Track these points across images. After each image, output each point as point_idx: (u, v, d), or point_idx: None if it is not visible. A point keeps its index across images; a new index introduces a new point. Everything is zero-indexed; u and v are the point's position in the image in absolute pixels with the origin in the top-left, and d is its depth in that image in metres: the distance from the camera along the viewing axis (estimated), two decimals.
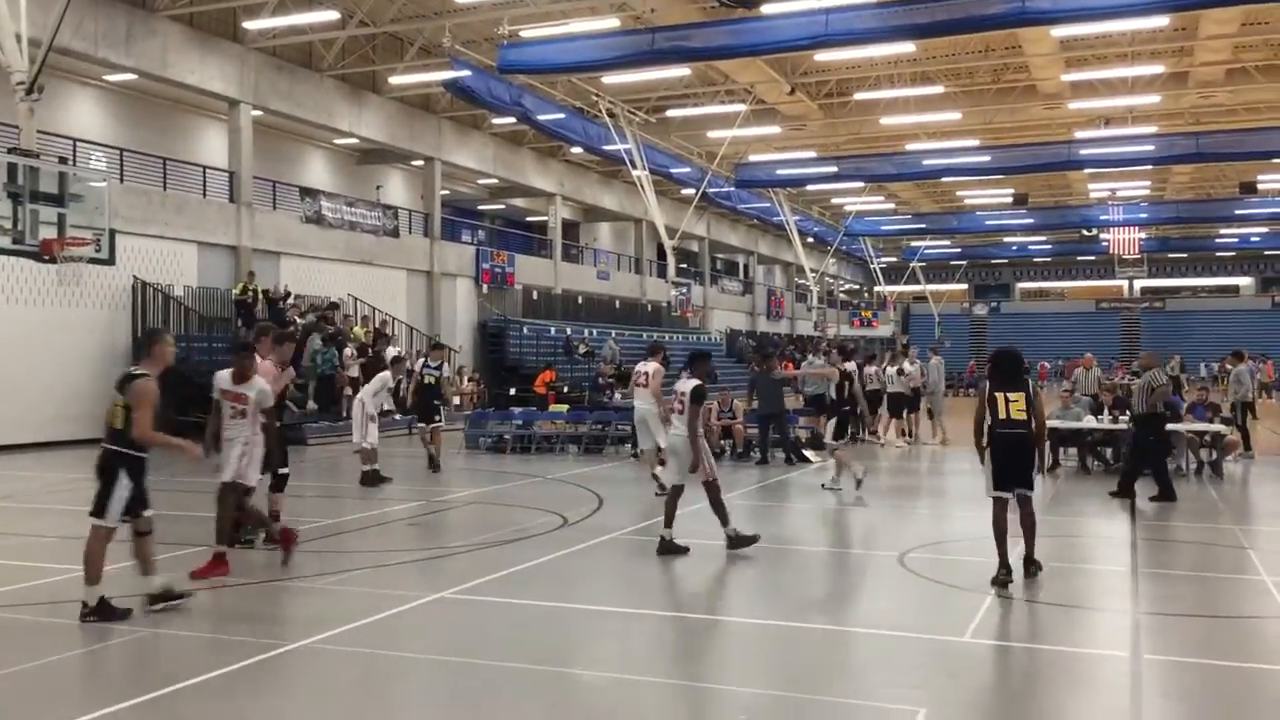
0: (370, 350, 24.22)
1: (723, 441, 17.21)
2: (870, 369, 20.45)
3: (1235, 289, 71.37)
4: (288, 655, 6.25)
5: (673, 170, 37.95)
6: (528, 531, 10.42)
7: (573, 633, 6.92)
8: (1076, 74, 29.10)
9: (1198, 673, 6.19)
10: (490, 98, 26.58)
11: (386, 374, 14.97)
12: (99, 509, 6.85)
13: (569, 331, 34.71)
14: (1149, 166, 39.53)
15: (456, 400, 26.60)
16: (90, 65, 22.35)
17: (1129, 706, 5.59)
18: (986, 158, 36.08)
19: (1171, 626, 7.22)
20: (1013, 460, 8.16)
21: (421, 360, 16.86)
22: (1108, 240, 53.45)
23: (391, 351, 22.54)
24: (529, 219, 44.11)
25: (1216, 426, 15.89)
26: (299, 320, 23.47)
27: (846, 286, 74.78)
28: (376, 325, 27.01)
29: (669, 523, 9.27)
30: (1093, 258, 66.07)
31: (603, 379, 22.51)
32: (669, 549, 9.13)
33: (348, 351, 23.11)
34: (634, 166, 33.02)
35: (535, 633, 6.80)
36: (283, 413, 9.87)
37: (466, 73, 25.24)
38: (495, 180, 36.89)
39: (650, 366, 13.05)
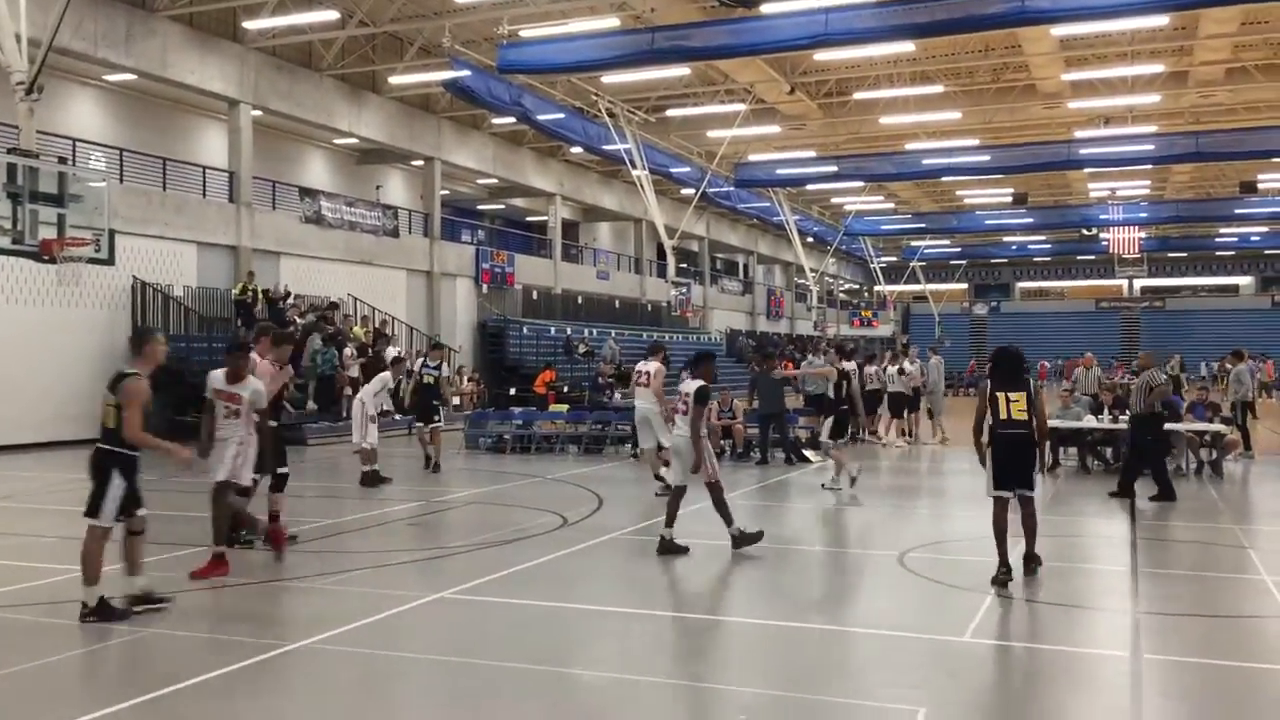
0: (370, 350, 24.22)
1: (722, 441, 17.21)
2: (870, 369, 20.46)
3: (1235, 288, 71.40)
4: (288, 655, 6.24)
5: (672, 170, 37.95)
6: (528, 531, 10.42)
7: (573, 633, 6.92)
8: (1076, 73, 29.10)
9: (1198, 673, 6.18)
10: (490, 98, 26.58)
11: (387, 374, 14.97)
12: (93, 509, 6.84)
13: (569, 331, 34.71)
14: (1149, 166, 39.54)
15: (456, 400, 26.60)
16: (90, 65, 22.34)
17: (1129, 706, 5.59)
18: (986, 157, 36.10)
19: (1171, 626, 7.22)
20: (1013, 460, 8.16)
21: (421, 360, 16.86)
22: (1107, 240, 53.46)
23: (392, 352, 22.55)
24: (529, 219, 44.11)
25: (1216, 426, 15.88)
26: (299, 320, 23.47)
27: (846, 286, 74.77)
28: (376, 325, 27.01)
29: (670, 522, 9.27)
30: (1092, 257, 66.07)
31: (603, 379, 22.50)
32: (669, 549, 9.13)
33: (348, 351, 23.11)
34: (634, 166, 33.03)
35: (535, 633, 6.80)
36: (280, 413, 9.87)
37: (466, 73, 25.24)
38: (495, 180, 36.89)
39: (651, 366, 13.07)
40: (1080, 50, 28.63)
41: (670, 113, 34.26)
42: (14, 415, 19.28)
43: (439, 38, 25.46)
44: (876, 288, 70.24)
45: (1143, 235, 53.12)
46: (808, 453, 17.28)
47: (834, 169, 37.16)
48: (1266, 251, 67.55)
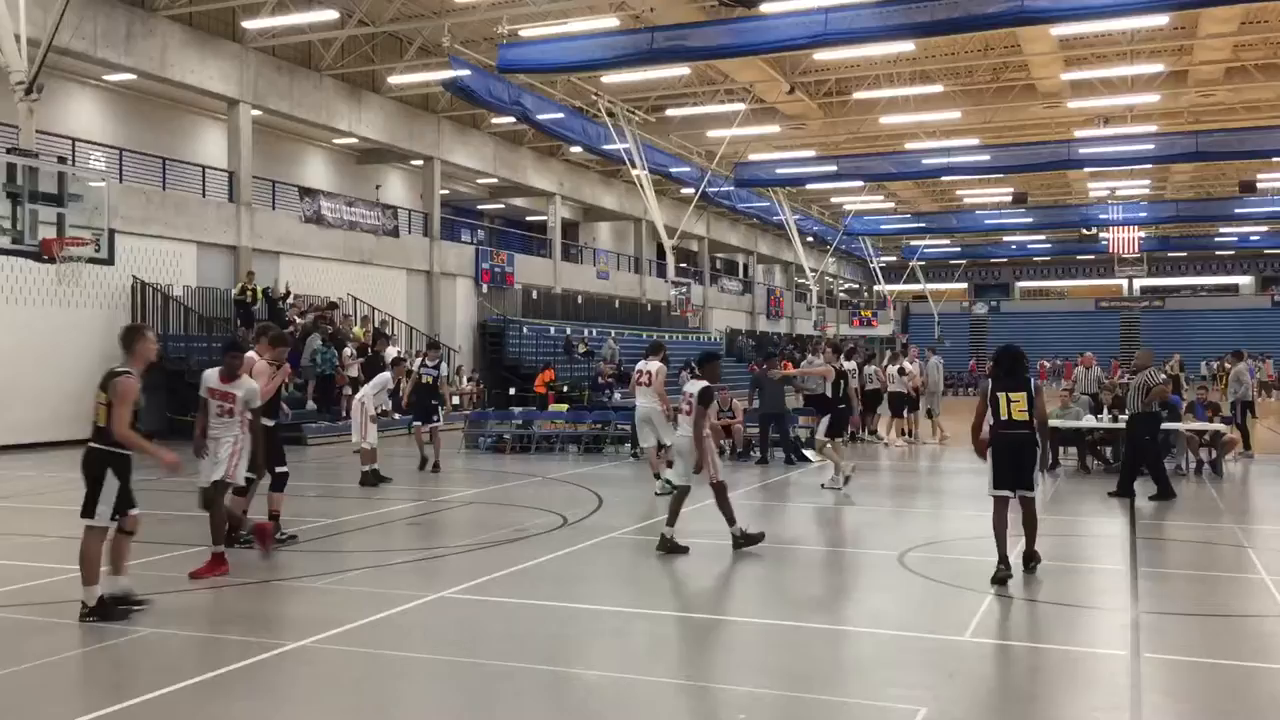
0: (370, 350, 24.21)
1: (722, 441, 17.20)
2: (870, 368, 20.47)
3: (1235, 288, 71.36)
4: (287, 655, 6.24)
5: (672, 169, 37.94)
6: (528, 531, 10.42)
7: (573, 632, 6.92)
8: (1076, 73, 29.08)
9: (1198, 672, 6.19)
10: (490, 97, 26.58)
11: (387, 375, 14.98)
12: (89, 509, 6.82)
13: (569, 331, 34.70)
14: (1148, 165, 39.54)
15: (455, 400, 26.60)
16: (90, 65, 22.34)
17: (1129, 706, 5.58)
18: (986, 157, 36.09)
19: (1171, 626, 7.22)
20: (1014, 460, 8.16)
21: (419, 360, 16.85)
22: (1107, 239, 53.44)
23: (392, 352, 22.52)
24: (529, 218, 44.10)
25: (1216, 425, 15.89)
26: (298, 320, 23.47)
27: (846, 286, 74.75)
28: (376, 325, 26.99)
29: (672, 521, 9.28)
30: (1092, 257, 66.04)
31: (603, 379, 22.52)
32: (670, 547, 9.13)
33: (347, 351, 23.11)
34: (633, 166, 33.01)
35: (535, 632, 6.80)
36: (277, 413, 9.86)
37: (466, 72, 25.24)
38: (495, 180, 36.88)
39: (652, 365, 13.07)
40: (1080, 50, 28.62)
41: (670, 112, 34.24)
42: (14, 415, 19.27)
43: (439, 37, 25.44)
44: (876, 287, 70.19)
45: (1142, 235, 53.11)
46: (807, 452, 17.29)
47: (834, 168, 37.16)
48: (1266, 251, 67.52)
